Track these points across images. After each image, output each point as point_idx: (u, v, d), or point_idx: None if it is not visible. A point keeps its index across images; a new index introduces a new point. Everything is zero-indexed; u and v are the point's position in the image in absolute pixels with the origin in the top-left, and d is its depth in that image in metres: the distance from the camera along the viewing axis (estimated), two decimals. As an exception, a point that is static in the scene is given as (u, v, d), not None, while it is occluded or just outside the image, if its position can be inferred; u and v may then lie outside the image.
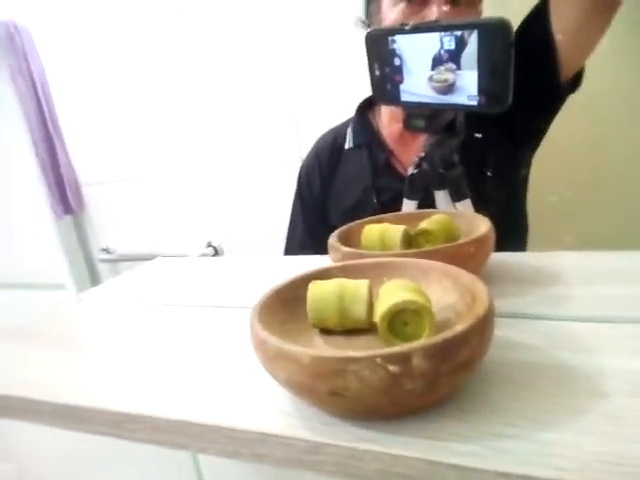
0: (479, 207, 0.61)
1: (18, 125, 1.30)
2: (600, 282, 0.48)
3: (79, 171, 1.44)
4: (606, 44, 0.65)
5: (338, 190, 0.86)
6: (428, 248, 0.46)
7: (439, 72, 0.52)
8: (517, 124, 0.73)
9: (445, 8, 0.67)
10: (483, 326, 0.31)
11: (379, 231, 0.51)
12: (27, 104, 1.34)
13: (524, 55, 0.51)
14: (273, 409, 0.35)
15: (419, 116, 0.59)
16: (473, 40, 0.48)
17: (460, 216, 0.55)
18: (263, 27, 1.12)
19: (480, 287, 0.34)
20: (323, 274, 0.42)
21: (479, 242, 0.46)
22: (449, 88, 0.52)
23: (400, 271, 0.41)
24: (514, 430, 0.29)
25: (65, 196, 1.42)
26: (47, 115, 1.38)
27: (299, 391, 0.32)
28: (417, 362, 0.28)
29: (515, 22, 0.52)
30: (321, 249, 0.56)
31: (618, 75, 0.78)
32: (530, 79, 0.67)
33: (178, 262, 0.77)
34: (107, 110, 1.34)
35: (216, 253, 1.33)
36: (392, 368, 0.28)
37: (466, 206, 0.61)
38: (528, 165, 0.78)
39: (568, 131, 0.78)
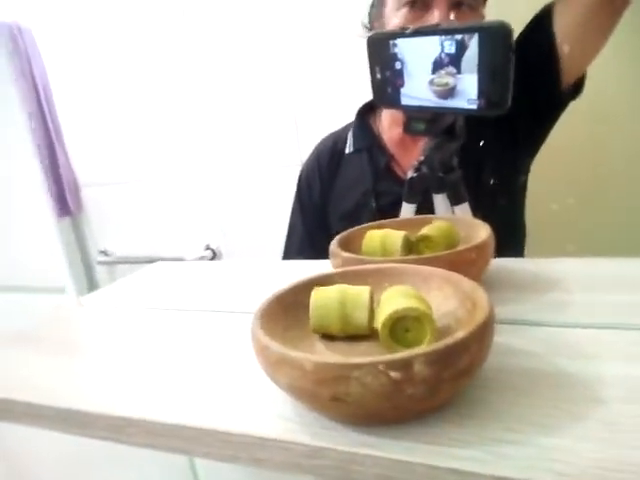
0: (477, 212, 0.62)
1: (21, 126, 1.29)
2: (600, 289, 0.48)
3: (78, 172, 1.44)
4: (606, 46, 0.66)
5: (338, 194, 0.86)
6: (429, 255, 0.47)
7: (440, 76, 0.53)
8: (517, 130, 0.74)
9: (447, 13, 0.67)
10: (484, 333, 0.31)
11: (380, 237, 0.51)
12: (28, 105, 1.34)
13: (526, 61, 0.51)
14: (272, 413, 0.35)
15: (419, 120, 0.59)
16: (473, 44, 0.49)
17: (459, 222, 0.55)
18: (264, 31, 1.12)
19: (480, 294, 0.35)
20: (324, 280, 0.42)
21: (480, 248, 0.46)
22: (450, 92, 0.52)
23: (401, 277, 0.42)
24: (514, 435, 0.29)
25: (64, 197, 1.41)
26: (48, 116, 1.38)
27: (301, 396, 0.32)
28: (419, 368, 0.28)
29: (517, 26, 0.52)
30: (320, 253, 0.56)
31: (620, 77, 0.78)
32: (531, 85, 0.67)
33: (179, 266, 0.77)
34: (108, 112, 1.34)
35: (214, 256, 1.33)
36: (394, 374, 0.28)
37: (464, 210, 0.61)
38: (527, 171, 0.78)
39: (569, 137, 0.78)
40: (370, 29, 0.79)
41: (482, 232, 0.49)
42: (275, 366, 0.32)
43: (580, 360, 0.36)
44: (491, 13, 0.71)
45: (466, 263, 0.45)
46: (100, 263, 1.46)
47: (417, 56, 0.54)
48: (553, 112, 0.74)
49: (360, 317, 0.37)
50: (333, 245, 0.51)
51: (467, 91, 0.51)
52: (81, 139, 1.41)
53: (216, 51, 1.18)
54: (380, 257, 0.50)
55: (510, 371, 0.36)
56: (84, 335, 0.58)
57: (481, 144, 0.70)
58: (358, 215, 0.81)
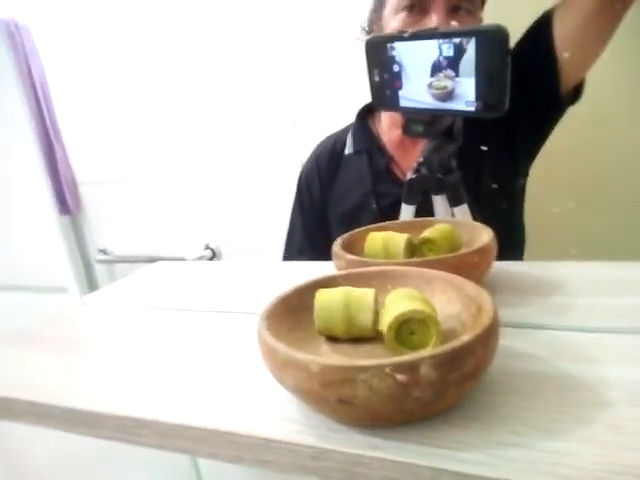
0: (476, 214, 0.62)
1: (21, 124, 1.29)
2: (603, 292, 0.48)
3: (77, 171, 1.44)
4: (605, 50, 0.66)
5: (337, 195, 0.86)
6: (432, 257, 0.47)
7: (439, 79, 0.53)
8: (516, 134, 0.74)
9: (445, 17, 0.67)
10: (489, 336, 0.31)
11: (382, 239, 0.51)
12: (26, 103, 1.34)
13: (526, 66, 0.52)
14: (277, 415, 0.35)
15: (418, 122, 0.59)
16: (471, 47, 0.49)
17: (462, 225, 0.55)
18: (263, 32, 1.12)
19: (485, 297, 0.35)
20: (328, 282, 0.42)
21: (483, 251, 0.46)
22: (448, 95, 0.53)
23: (404, 280, 0.42)
24: (519, 439, 0.30)
25: (63, 196, 1.41)
26: (46, 114, 1.37)
27: (307, 398, 0.33)
28: (425, 371, 0.28)
29: (514, 30, 0.53)
30: (320, 254, 0.56)
31: (619, 81, 0.78)
32: (531, 90, 0.68)
33: (181, 266, 0.77)
34: (106, 110, 1.34)
35: (214, 256, 1.33)
36: (400, 377, 0.28)
37: (463, 211, 0.62)
38: (526, 175, 0.79)
39: (568, 140, 0.79)
40: (369, 32, 0.79)
41: (484, 235, 0.49)
42: (282, 368, 0.32)
43: (584, 363, 0.37)
44: (489, 17, 0.72)
45: (469, 266, 0.45)
46: (99, 262, 1.46)
47: (415, 59, 0.55)
48: (552, 116, 0.74)
49: (365, 319, 0.37)
50: (336, 247, 0.52)
51: (465, 94, 0.51)
52: (79, 137, 1.41)
53: (216, 51, 1.18)
54: (383, 259, 0.50)
55: (514, 374, 0.36)
56: (88, 334, 0.58)
57: (481, 148, 0.70)
58: (358, 216, 0.81)
